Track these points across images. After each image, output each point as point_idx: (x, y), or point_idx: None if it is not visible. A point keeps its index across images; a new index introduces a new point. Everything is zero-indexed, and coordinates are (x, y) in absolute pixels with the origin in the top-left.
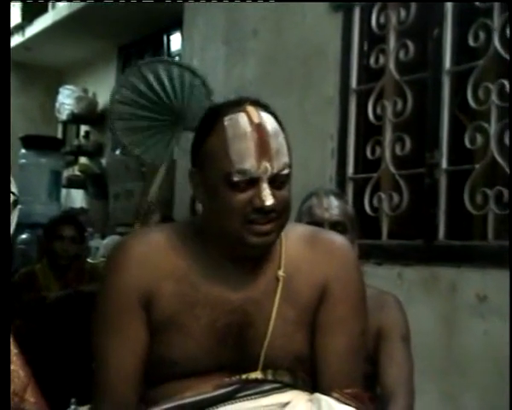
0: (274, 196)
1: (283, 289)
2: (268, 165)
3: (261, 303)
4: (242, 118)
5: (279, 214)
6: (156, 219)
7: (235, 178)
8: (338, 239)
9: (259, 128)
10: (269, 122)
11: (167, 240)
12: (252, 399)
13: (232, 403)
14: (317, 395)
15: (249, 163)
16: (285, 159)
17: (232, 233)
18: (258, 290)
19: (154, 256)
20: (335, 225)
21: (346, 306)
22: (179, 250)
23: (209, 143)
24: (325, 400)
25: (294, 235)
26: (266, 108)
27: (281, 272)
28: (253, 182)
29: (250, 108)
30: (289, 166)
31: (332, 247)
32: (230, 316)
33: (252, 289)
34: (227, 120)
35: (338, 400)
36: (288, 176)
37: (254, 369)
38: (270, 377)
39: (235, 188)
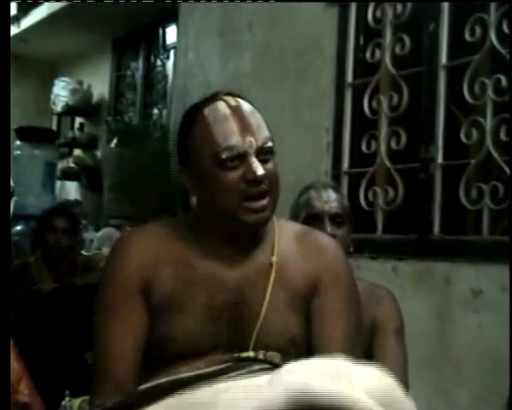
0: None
1: (276, 274)
2: (252, 139)
3: (256, 284)
4: (220, 104)
5: (271, 190)
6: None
7: (224, 156)
8: (326, 239)
9: (238, 109)
10: (245, 104)
11: (165, 230)
12: (244, 377)
13: (224, 380)
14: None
15: (234, 139)
16: (266, 133)
17: (229, 214)
18: (252, 271)
19: (152, 244)
20: (334, 217)
21: (338, 297)
22: (177, 238)
23: (192, 136)
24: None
25: (287, 229)
26: (239, 97)
27: (274, 258)
28: (240, 158)
29: (225, 97)
30: (271, 139)
31: (321, 244)
32: (226, 294)
33: (247, 270)
34: (206, 110)
35: None
36: (271, 149)
37: (247, 347)
38: (261, 356)
39: (224, 168)
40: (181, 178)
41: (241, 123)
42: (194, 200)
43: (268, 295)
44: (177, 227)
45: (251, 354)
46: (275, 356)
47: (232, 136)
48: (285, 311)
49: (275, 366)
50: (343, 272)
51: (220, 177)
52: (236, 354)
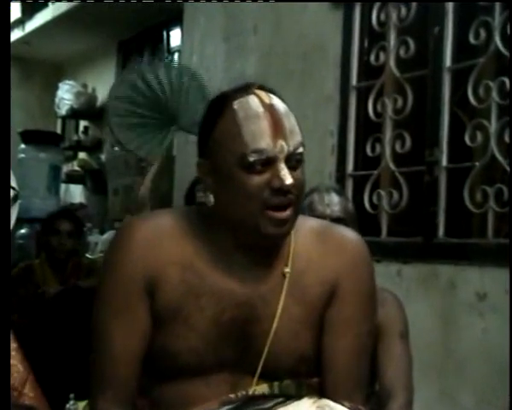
0: (291, 176)
1: (291, 285)
2: (284, 143)
3: (267, 299)
4: (253, 100)
5: (296, 199)
6: (147, 212)
7: (251, 159)
8: (350, 234)
9: (271, 108)
10: (279, 103)
11: (175, 224)
12: None
13: None
14: (330, 404)
15: (265, 142)
16: (299, 137)
17: (248, 221)
18: (265, 286)
19: (160, 240)
20: (336, 221)
21: (355, 306)
22: (186, 236)
23: (219, 129)
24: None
25: (305, 229)
26: (273, 93)
27: (287, 269)
28: (268, 163)
29: (259, 91)
30: (303, 145)
31: (344, 242)
32: (236, 310)
33: (259, 284)
34: (236, 104)
35: None
36: (302, 156)
37: (256, 367)
38: (276, 390)
39: (250, 170)
40: (199, 171)
41: (274, 124)
42: (210, 197)
43: (279, 312)
44: (187, 221)
45: (266, 389)
46: (289, 387)
47: (262, 138)
48: (298, 326)
49: (289, 397)
50: (363, 274)
51: (244, 180)
52: (251, 392)
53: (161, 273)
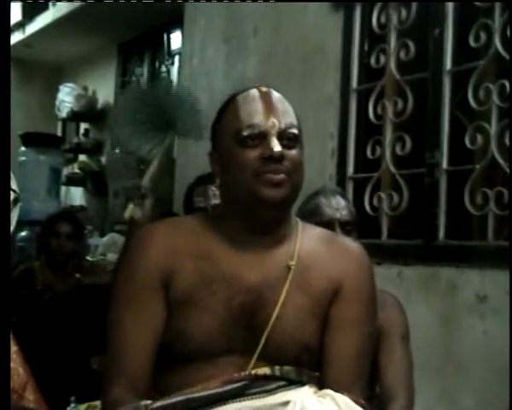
0: (284, 151)
1: (296, 278)
2: (275, 120)
3: (273, 287)
4: (252, 90)
5: (290, 172)
6: (149, 203)
7: (245, 133)
8: (353, 243)
9: (267, 94)
10: (276, 93)
11: (189, 222)
12: (258, 397)
13: (240, 401)
14: (331, 393)
15: (257, 118)
16: (292, 119)
17: (246, 190)
18: (272, 274)
19: (175, 236)
20: (345, 225)
21: (359, 306)
22: (200, 230)
23: (222, 119)
24: (343, 400)
25: (311, 233)
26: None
27: (292, 262)
28: (261, 137)
29: (260, 87)
30: (297, 128)
31: (348, 249)
32: (245, 296)
33: (267, 272)
34: (239, 96)
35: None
36: (296, 136)
37: (262, 351)
38: (277, 373)
39: (245, 145)
40: (210, 163)
41: (267, 105)
42: (218, 182)
43: (282, 298)
44: (200, 219)
45: (267, 371)
46: (290, 372)
47: (255, 115)
48: (304, 316)
49: (290, 382)
50: (366, 279)
51: (240, 154)
52: (254, 372)
53: (176, 265)
